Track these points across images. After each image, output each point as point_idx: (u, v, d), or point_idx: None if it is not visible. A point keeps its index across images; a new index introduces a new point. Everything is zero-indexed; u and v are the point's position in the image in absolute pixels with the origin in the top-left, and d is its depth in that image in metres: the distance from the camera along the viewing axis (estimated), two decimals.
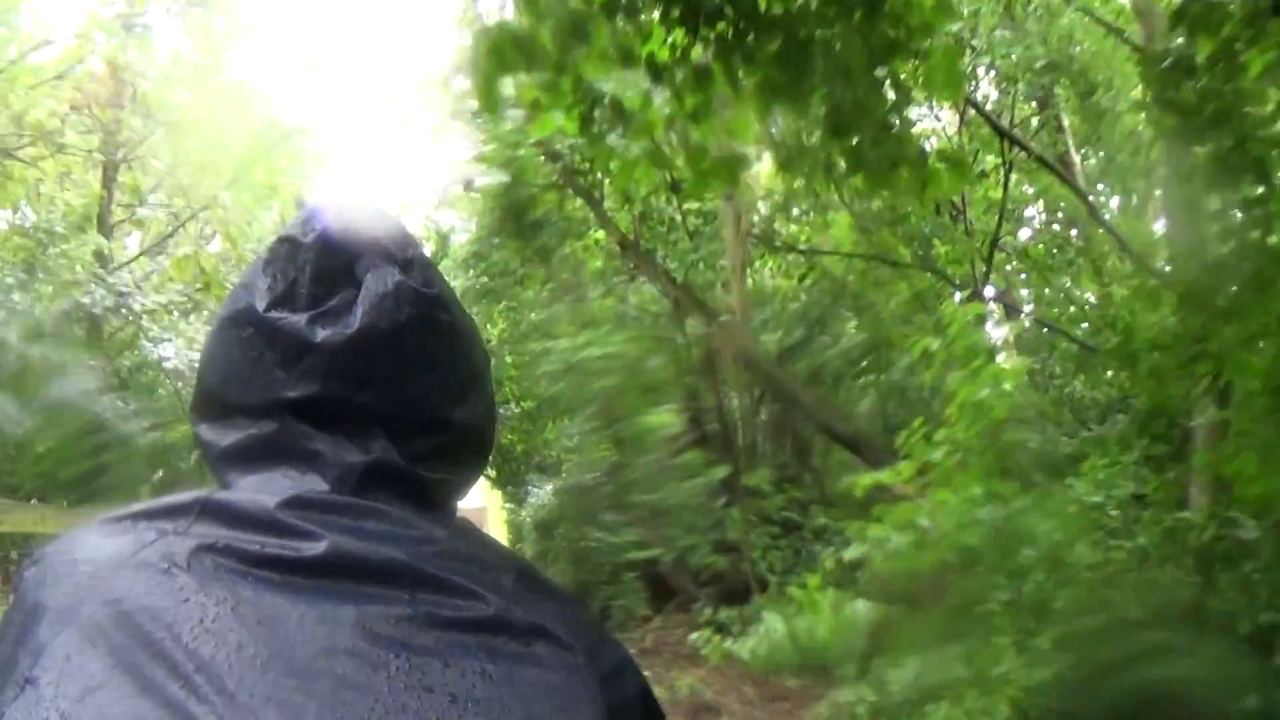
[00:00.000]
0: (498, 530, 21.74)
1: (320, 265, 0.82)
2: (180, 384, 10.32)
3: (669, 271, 8.16)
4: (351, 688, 0.61)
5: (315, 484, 0.75)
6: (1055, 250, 10.88)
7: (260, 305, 0.80)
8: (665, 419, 11.22)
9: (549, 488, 14.24)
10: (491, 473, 21.23)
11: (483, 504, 22.97)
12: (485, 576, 0.72)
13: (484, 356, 0.90)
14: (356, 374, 0.78)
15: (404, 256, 0.84)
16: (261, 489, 0.74)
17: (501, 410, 15.46)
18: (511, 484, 19.92)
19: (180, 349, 9.60)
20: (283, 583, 0.66)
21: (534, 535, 14.17)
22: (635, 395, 9.39)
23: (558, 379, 9.21)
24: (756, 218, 9.30)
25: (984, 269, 8.51)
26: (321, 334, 0.78)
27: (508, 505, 20.39)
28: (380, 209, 0.89)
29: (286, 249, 0.83)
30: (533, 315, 10.03)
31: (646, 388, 9.62)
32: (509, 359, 13.41)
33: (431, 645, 0.65)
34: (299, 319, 0.79)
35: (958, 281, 8.26)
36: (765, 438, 11.77)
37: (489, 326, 12.99)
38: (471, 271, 11.63)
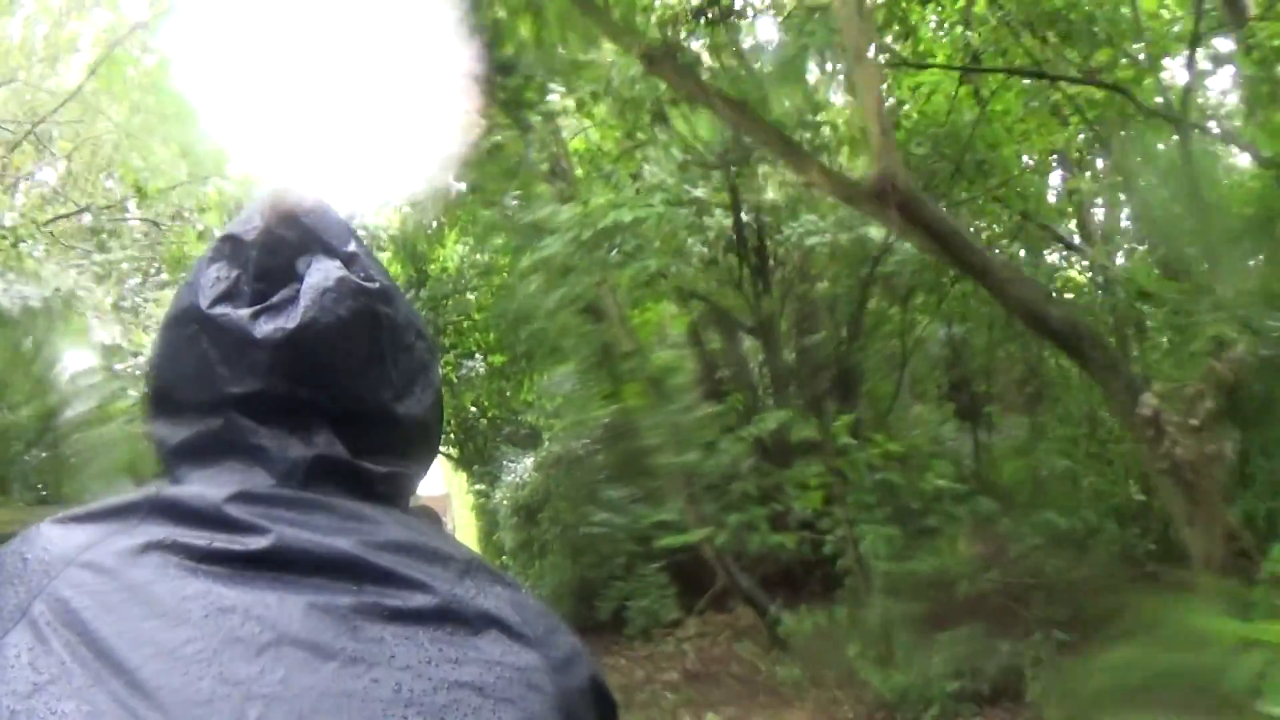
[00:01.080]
0: (465, 519, 19.17)
1: (262, 261, 0.82)
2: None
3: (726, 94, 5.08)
4: (298, 680, 0.62)
5: (261, 479, 0.76)
6: None
7: (203, 303, 0.80)
8: (676, 359, 8.49)
9: (529, 462, 11.44)
10: (453, 452, 18.60)
11: (445, 490, 21.12)
12: (432, 567, 0.72)
13: (429, 349, 0.89)
14: (299, 369, 0.78)
15: (346, 251, 0.84)
16: (209, 484, 0.75)
17: (465, 368, 12.58)
18: (479, 463, 16.98)
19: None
20: (230, 576, 0.66)
21: (514, 522, 11.36)
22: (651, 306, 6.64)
23: (551, 282, 6.38)
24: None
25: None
26: (263, 330, 0.78)
27: (476, 488, 17.60)
28: (323, 203, 0.87)
29: (229, 246, 0.83)
30: (502, 216, 7.14)
31: (678, 292, 6.87)
32: (472, 296, 10.51)
33: (379, 636, 0.66)
34: (241, 315, 0.79)
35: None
36: (796, 380, 9.15)
37: (445, 257, 10.07)
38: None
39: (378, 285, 0.83)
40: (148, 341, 9.24)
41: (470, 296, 10.08)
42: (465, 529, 21.07)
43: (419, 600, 0.69)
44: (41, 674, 0.61)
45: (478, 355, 12.12)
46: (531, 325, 7.66)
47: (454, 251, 9.65)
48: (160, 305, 9.03)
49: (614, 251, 5.65)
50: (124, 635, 0.62)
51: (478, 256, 9.98)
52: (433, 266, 9.50)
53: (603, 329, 7.98)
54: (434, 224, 8.98)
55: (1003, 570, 6.21)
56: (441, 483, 21.20)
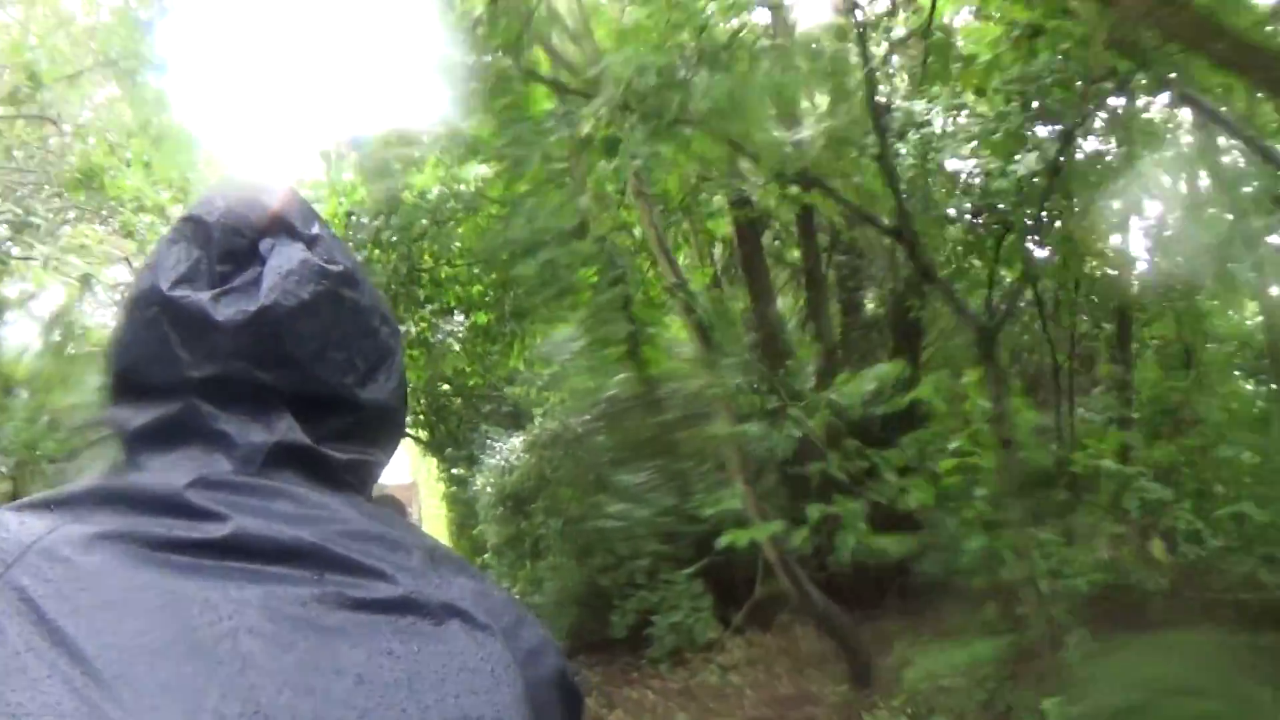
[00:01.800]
0: (434, 509, 17.49)
1: (225, 244, 0.81)
2: None
3: None
4: (257, 669, 0.60)
5: (221, 465, 0.74)
6: None
7: (164, 285, 0.79)
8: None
9: (517, 442, 9.55)
10: (422, 435, 16.66)
11: (411, 479, 20.01)
12: (394, 557, 0.71)
13: (393, 334, 0.87)
14: (261, 353, 0.77)
15: (308, 233, 0.83)
16: (168, 470, 0.73)
17: (442, 332, 10.66)
18: (453, 446, 15.02)
19: None
20: (188, 565, 0.65)
21: (499, 513, 9.47)
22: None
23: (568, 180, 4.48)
24: None
25: None
26: (224, 312, 0.77)
27: (450, 474, 15.70)
28: (285, 185, 0.87)
29: (191, 228, 0.82)
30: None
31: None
32: (455, 234, 8.55)
33: (339, 626, 0.64)
34: (203, 297, 0.78)
35: None
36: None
37: (422, 184, 8.11)
38: None
39: (341, 268, 0.82)
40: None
41: (452, 231, 8.14)
42: (434, 520, 19.51)
43: (381, 590, 0.68)
44: None
45: (457, 314, 10.19)
46: (532, 258, 5.80)
47: (434, 176, 7.76)
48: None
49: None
50: (81, 625, 0.61)
51: (460, 187, 8.07)
52: (406, 194, 7.63)
53: (626, 264, 6.13)
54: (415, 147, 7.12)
55: (1199, 580, 4.46)
56: (408, 470, 19.93)
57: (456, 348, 10.60)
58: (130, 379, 0.80)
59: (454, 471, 15.26)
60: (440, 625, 0.67)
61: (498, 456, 9.91)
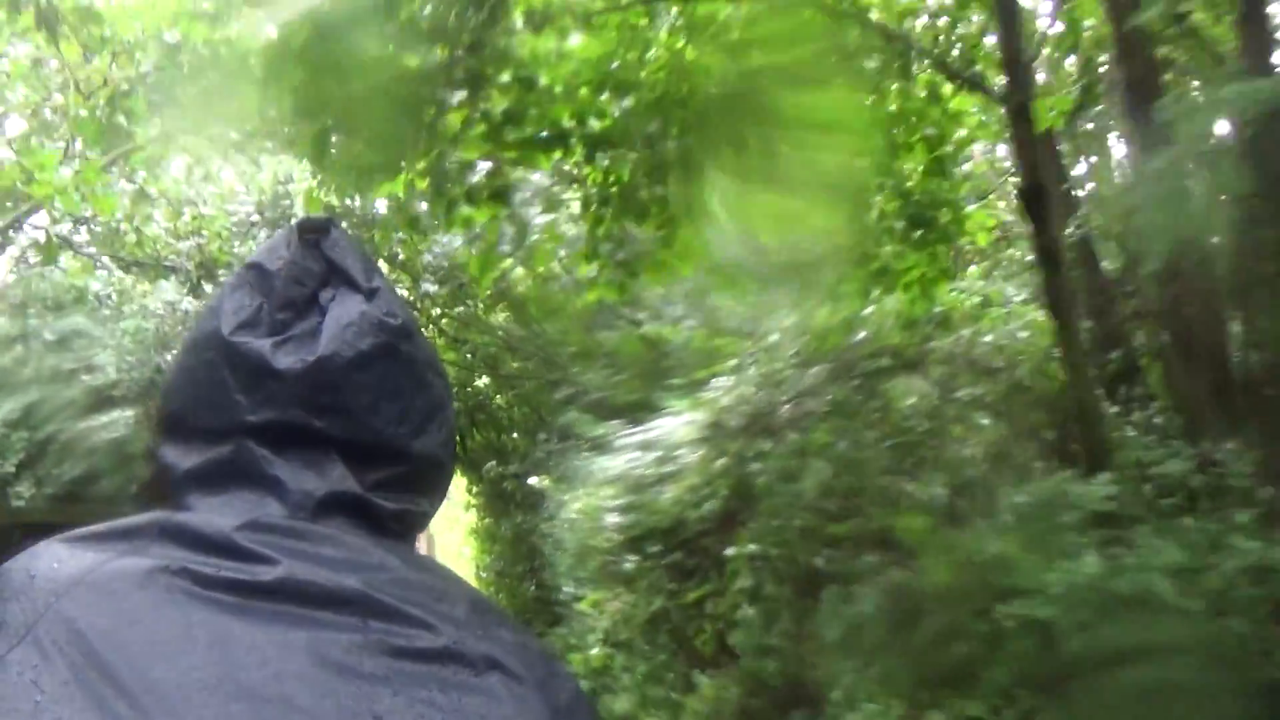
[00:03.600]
0: (454, 548, 14.50)
1: (286, 292, 0.83)
2: None
3: None
4: (301, 713, 0.62)
5: (273, 509, 0.75)
6: None
7: (225, 330, 0.80)
8: None
9: (672, 425, 5.11)
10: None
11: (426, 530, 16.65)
12: (439, 606, 0.72)
13: (445, 386, 0.88)
14: (318, 401, 0.78)
15: (369, 285, 0.84)
16: (219, 512, 0.74)
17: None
18: (498, 458, 10.75)
19: None
20: (237, 606, 0.66)
21: (619, 569, 5.08)
22: None
23: None
24: None
25: None
26: (284, 360, 0.78)
27: (488, 501, 11.41)
28: (348, 236, 0.89)
29: (254, 274, 0.84)
30: None
31: None
32: None
33: (382, 674, 0.65)
34: (263, 344, 0.79)
35: None
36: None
37: None
38: None
39: (399, 322, 0.83)
40: None
41: None
42: (453, 563, 16.03)
43: (424, 640, 0.68)
44: (44, 693, 0.61)
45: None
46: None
47: None
48: None
49: None
50: (128, 659, 0.62)
51: None
52: None
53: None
54: None
55: None
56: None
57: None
58: (183, 420, 0.81)
59: (497, 496, 10.87)
60: (480, 677, 0.68)
61: (612, 462, 5.44)
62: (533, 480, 6.37)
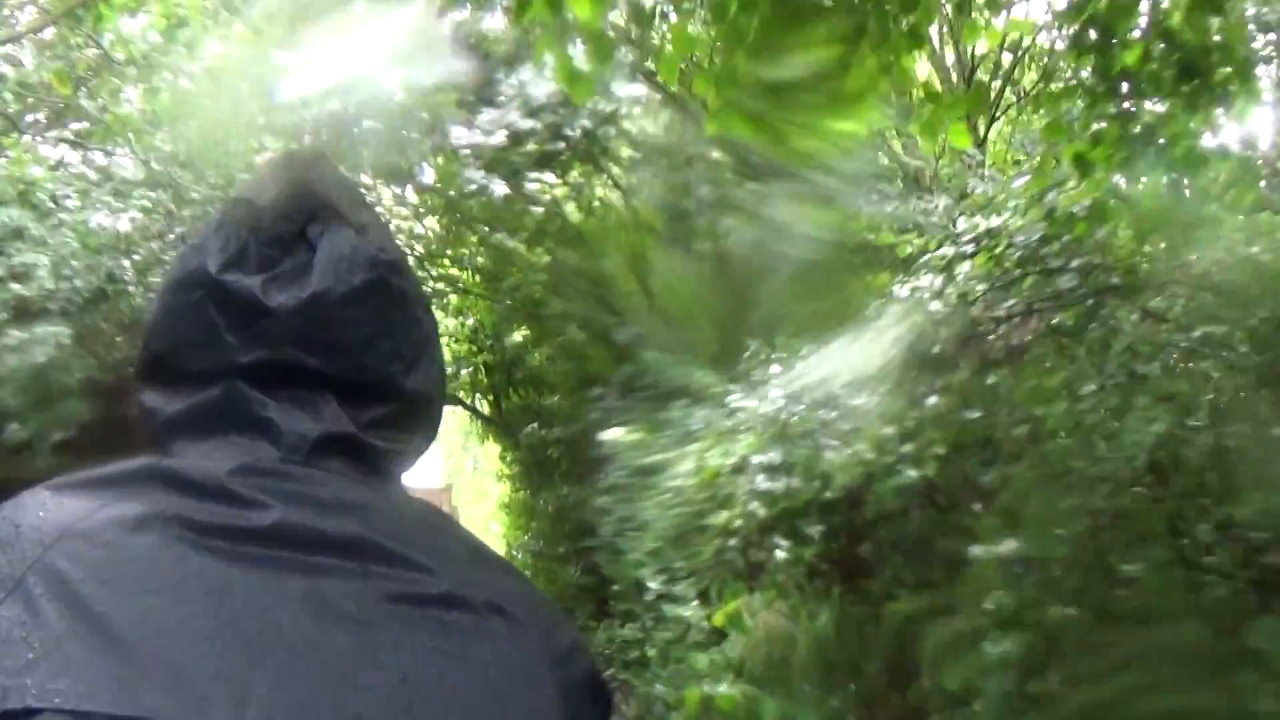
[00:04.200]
0: (480, 521, 13.09)
1: (274, 227, 0.80)
2: None
3: None
4: (302, 661, 0.61)
5: (266, 452, 0.73)
6: None
7: (212, 267, 0.77)
8: None
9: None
10: (483, 404, 10.79)
11: (444, 483, 16.58)
12: (438, 551, 0.71)
13: (433, 323, 0.87)
14: (310, 339, 0.76)
15: (359, 219, 0.82)
16: (211, 456, 0.72)
17: None
18: (539, 421, 9.22)
19: None
20: (232, 552, 0.65)
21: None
22: None
23: None
24: None
25: None
26: (276, 297, 0.76)
27: (527, 470, 9.90)
28: (337, 169, 0.88)
29: (240, 210, 0.81)
30: None
31: None
32: None
33: (383, 620, 0.65)
34: (252, 281, 0.76)
35: None
36: None
37: None
38: None
39: (391, 256, 0.81)
40: None
41: None
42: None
43: (425, 585, 0.67)
44: (34, 648, 0.59)
45: None
46: None
47: None
48: None
49: None
50: (121, 610, 0.60)
51: None
52: None
53: None
54: None
55: None
56: (440, 473, 16.76)
57: None
58: (167, 362, 0.78)
59: (537, 465, 9.30)
60: (482, 622, 0.68)
61: (745, 408, 3.73)
62: (609, 435, 4.70)
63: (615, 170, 8.25)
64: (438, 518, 0.77)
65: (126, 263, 5.37)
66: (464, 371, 10.44)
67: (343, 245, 0.78)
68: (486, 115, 6.81)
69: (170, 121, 5.88)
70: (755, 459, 3.42)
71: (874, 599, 3.29)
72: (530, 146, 6.97)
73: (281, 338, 0.74)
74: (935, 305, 3.26)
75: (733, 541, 3.45)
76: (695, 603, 3.99)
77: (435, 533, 0.74)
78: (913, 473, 3.06)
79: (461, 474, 19.66)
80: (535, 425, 9.27)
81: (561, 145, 7.02)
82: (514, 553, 11.40)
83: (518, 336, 10.49)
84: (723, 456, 3.58)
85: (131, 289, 5.41)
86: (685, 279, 7.11)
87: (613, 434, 4.87)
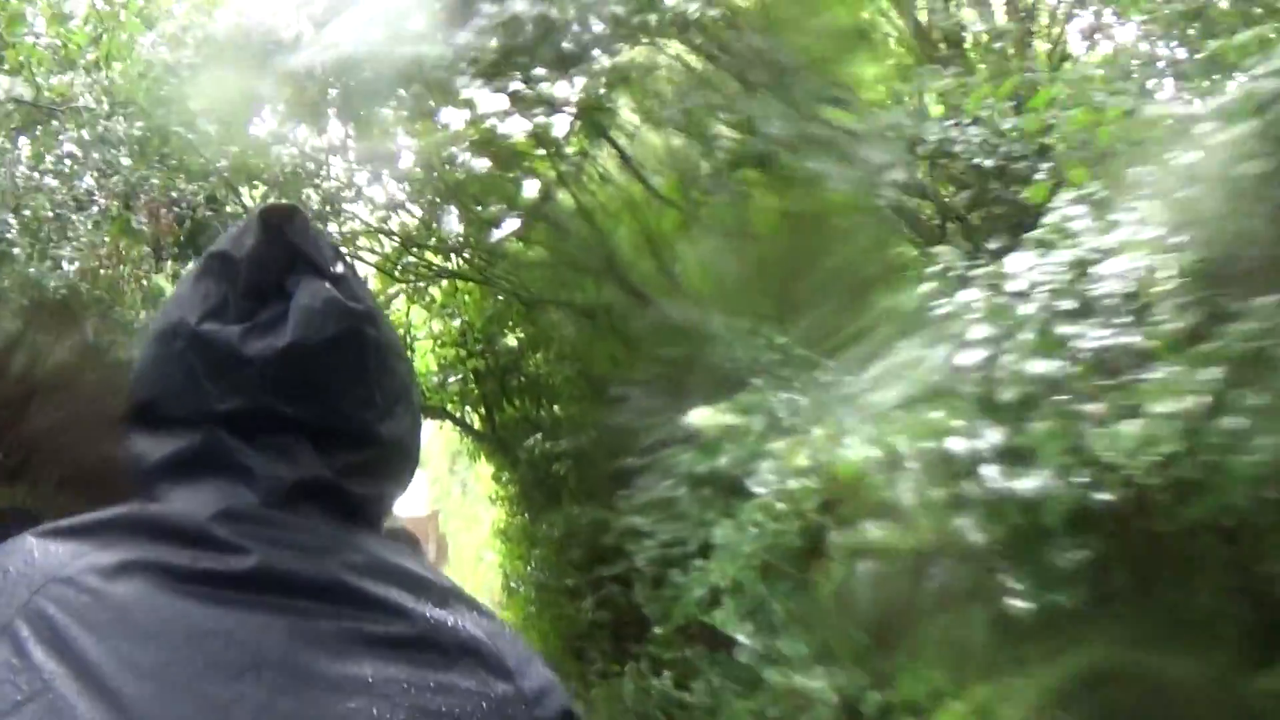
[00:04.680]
0: (470, 550, 12.83)
1: (251, 279, 0.82)
2: None
3: None
4: (278, 704, 0.63)
5: (245, 497, 0.75)
6: None
7: (192, 319, 0.81)
8: None
9: None
10: (473, 418, 9.66)
11: (429, 510, 15.87)
12: (412, 593, 0.73)
13: (409, 371, 0.90)
14: (287, 387, 0.78)
15: (334, 271, 0.84)
16: (192, 502, 0.75)
17: None
18: (545, 434, 8.04)
19: None
20: (212, 597, 0.67)
21: None
22: None
23: None
24: None
25: None
26: (253, 347, 0.78)
27: (522, 490, 8.75)
28: (312, 222, 0.88)
29: (218, 263, 0.84)
30: None
31: None
32: None
33: (358, 662, 0.66)
34: (231, 332, 0.79)
35: None
36: None
37: None
38: None
39: (364, 307, 0.83)
40: None
41: None
42: (470, 568, 12.88)
43: (398, 627, 0.70)
44: (22, 690, 0.61)
45: None
46: None
47: None
48: None
49: None
50: (106, 654, 0.63)
51: None
52: None
53: None
54: None
55: None
56: (425, 501, 15.92)
57: None
58: (151, 410, 0.81)
59: (539, 483, 8.18)
60: (454, 663, 0.69)
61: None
62: (697, 416, 3.42)
63: (622, 140, 7.11)
64: (412, 560, 0.78)
65: (12, 219, 4.30)
66: (452, 380, 9.20)
67: (318, 296, 0.79)
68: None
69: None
70: (959, 443, 2.17)
71: (1223, 667, 2.00)
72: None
73: (259, 386, 0.76)
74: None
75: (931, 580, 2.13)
76: (826, 671, 2.66)
77: (410, 575, 0.74)
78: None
79: (450, 498, 18.58)
80: (538, 437, 8.02)
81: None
82: (513, 585, 10.16)
83: (512, 340, 9.27)
84: (871, 444, 2.34)
85: (17, 251, 4.34)
86: (719, 250, 5.97)
87: (700, 417, 3.54)
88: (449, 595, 0.75)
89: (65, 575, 0.67)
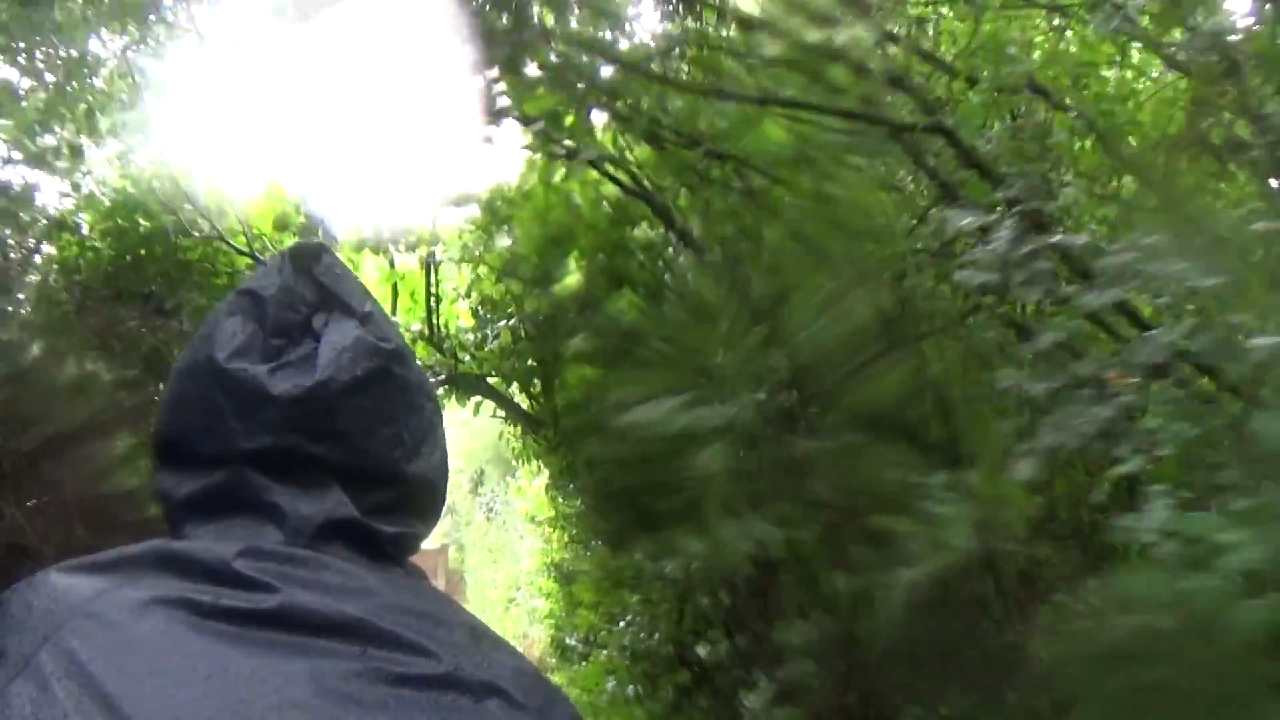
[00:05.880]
0: (493, 587, 11.64)
1: (280, 318, 0.84)
2: None
3: None
4: None
5: (271, 536, 0.76)
6: None
7: (220, 356, 0.81)
8: None
9: None
10: (521, 397, 6.28)
11: (440, 543, 14.07)
12: (437, 633, 0.73)
13: (436, 410, 0.91)
14: (314, 427, 0.79)
15: (362, 310, 0.86)
16: (218, 539, 0.75)
17: None
18: None
19: None
20: (236, 635, 0.67)
21: None
22: None
23: None
24: None
25: None
26: (280, 386, 0.79)
27: (578, 551, 5.58)
28: (340, 262, 0.90)
29: (247, 301, 0.85)
30: None
31: None
32: None
33: (382, 701, 0.66)
34: (259, 371, 0.80)
35: None
36: None
37: None
38: None
39: (393, 346, 0.84)
40: None
41: None
42: (499, 619, 10.95)
43: (424, 666, 0.69)
44: None
45: None
46: None
47: None
48: None
49: None
50: (128, 691, 0.62)
51: None
52: None
53: None
54: None
55: None
56: (434, 532, 12.57)
57: None
58: (178, 447, 0.81)
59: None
60: (479, 703, 0.69)
61: None
62: None
63: None
64: (438, 599, 0.78)
65: None
66: (494, 333, 6.09)
67: (346, 335, 0.82)
68: None
69: None
70: None
71: None
72: None
73: (286, 425, 0.77)
74: None
75: None
76: None
77: (435, 615, 0.74)
78: None
79: (469, 527, 15.20)
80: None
81: None
82: (572, 644, 7.04)
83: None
84: None
85: None
86: None
87: None
88: (475, 633, 0.75)
89: (90, 610, 0.66)
